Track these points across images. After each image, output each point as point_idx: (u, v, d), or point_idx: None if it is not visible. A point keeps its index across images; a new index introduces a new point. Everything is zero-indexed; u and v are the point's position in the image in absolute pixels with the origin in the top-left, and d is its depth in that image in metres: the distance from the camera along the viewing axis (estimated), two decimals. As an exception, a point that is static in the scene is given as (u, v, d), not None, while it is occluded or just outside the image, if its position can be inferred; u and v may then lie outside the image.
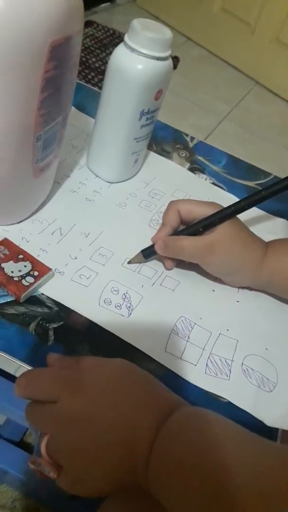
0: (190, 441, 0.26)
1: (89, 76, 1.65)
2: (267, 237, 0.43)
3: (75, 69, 0.38)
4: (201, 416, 0.28)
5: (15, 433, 0.71)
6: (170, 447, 0.26)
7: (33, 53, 0.30)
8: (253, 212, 0.54)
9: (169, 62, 0.44)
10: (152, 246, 0.43)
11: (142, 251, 0.44)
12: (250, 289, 0.45)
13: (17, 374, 0.32)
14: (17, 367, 0.35)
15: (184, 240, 0.41)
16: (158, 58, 0.42)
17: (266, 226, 0.53)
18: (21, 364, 0.34)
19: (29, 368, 0.34)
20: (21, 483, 0.67)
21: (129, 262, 0.44)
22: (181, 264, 0.45)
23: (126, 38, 0.43)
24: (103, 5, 2.22)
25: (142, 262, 0.44)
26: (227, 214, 0.40)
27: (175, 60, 1.92)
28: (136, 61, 0.42)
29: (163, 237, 0.42)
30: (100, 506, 0.34)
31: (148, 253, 0.43)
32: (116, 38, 1.94)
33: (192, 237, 0.41)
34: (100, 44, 1.88)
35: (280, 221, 0.55)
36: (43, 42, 0.30)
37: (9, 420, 0.70)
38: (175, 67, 1.88)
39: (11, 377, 0.50)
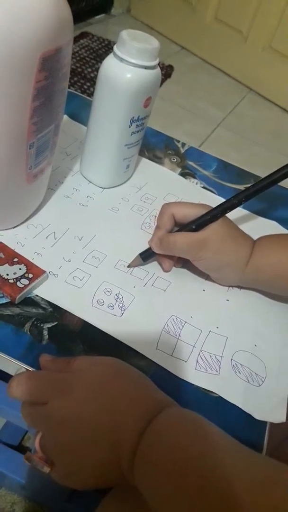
0: (173, 444, 0.27)
1: (85, 86, 1.67)
2: (254, 237, 0.45)
3: (66, 78, 0.39)
4: (185, 418, 0.29)
5: (14, 437, 0.71)
6: (153, 451, 0.27)
7: (24, 64, 0.32)
8: (240, 212, 0.56)
9: (157, 70, 0.46)
10: (149, 249, 0.44)
11: (140, 254, 0.45)
12: (240, 288, 0.46)
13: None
14: (17, 368, 0.36)
15: (177, 236, 0.42)
16: (146, 67, 0.44)
17: (252, 226, 0.54)
18: (21, 365, 0.35)
19: (29, 369, 0.35)
20: (20, 486, 0.68)
21: (128, 266, 0.45)
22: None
23: (115, 48, 0.44)
24: (98, 16, 2.26)
25: (141, 265, 0.46)
26: (218, 212, 0.41)
27: (169, 68, 1.95)
28: (125, 70, 0.44)
29: (159, 235, 0.43)
30: (98, 506, 0.35)
31: (146, 256, 0.45)
32: (111, 49, 1.95)
33: (185, 233, 0.42)
34: (96, 54, 1.91)
35: (263, 220, 0.56)
36: (33, 54, 0.32)
37: (7, 424, 0.71)
38: (169, 75, 1.91)
39: (9, 379, 0.51)
